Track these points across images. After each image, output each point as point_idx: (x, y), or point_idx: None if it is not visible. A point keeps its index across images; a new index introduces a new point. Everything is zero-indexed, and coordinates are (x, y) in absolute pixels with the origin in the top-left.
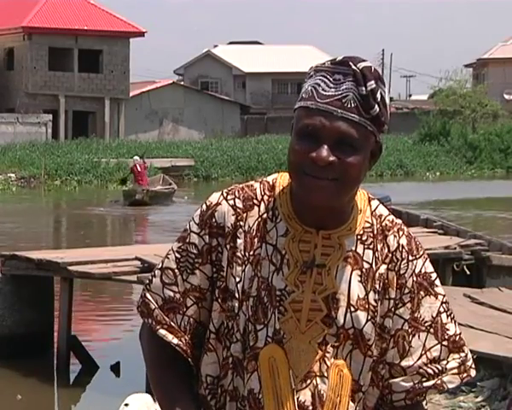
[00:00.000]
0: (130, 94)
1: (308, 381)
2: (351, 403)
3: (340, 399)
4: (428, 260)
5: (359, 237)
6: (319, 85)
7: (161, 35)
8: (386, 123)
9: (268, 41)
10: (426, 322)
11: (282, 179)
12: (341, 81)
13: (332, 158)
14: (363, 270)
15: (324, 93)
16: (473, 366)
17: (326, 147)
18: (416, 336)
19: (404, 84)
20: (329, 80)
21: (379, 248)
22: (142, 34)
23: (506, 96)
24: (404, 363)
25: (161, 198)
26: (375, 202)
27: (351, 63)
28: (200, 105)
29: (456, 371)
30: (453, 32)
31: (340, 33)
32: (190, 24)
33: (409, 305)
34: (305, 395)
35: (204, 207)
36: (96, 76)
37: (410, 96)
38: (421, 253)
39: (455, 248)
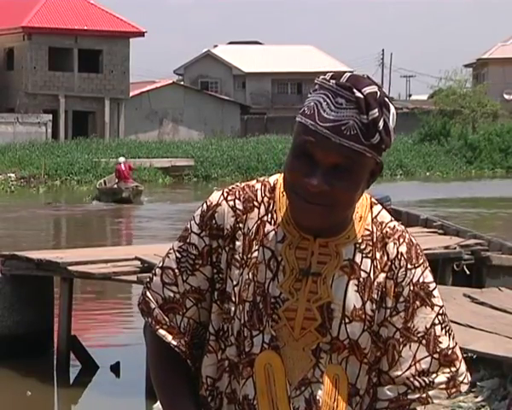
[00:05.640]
0: (130, 94)
1: (303, 388)
2: (348, 407)
3: (336, 403)
4: (428, 269)
5: (358, 245)
6: (321, 105)
7: (161, 35)
8: (387, 147)
9: (268, 41)
10: (418, 333)
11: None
12: (343, 106)
13: (324, 187)
14: (361, 279)
15: (325, 116)
16: (465, 381)
17: (319, 174)
18: (407, 346)
19: (404, 84)
20: (332, 102)
21: (378, 257)
22: (142, 34)
23: (506, 96)
24: (392, 372)
25: (139, 196)
26: (376, 208)
27: (354, 90)
28: (200, 105)
29: (444, 386)
30: (453, 32)
31: (340, 33)
32: (190, 24)
33: (402, 314)
34: (300, 402)
35: (204, 207)
36: (96, 76)
37: (410, 96)
38: (420, 261)
39: (455, 248)
